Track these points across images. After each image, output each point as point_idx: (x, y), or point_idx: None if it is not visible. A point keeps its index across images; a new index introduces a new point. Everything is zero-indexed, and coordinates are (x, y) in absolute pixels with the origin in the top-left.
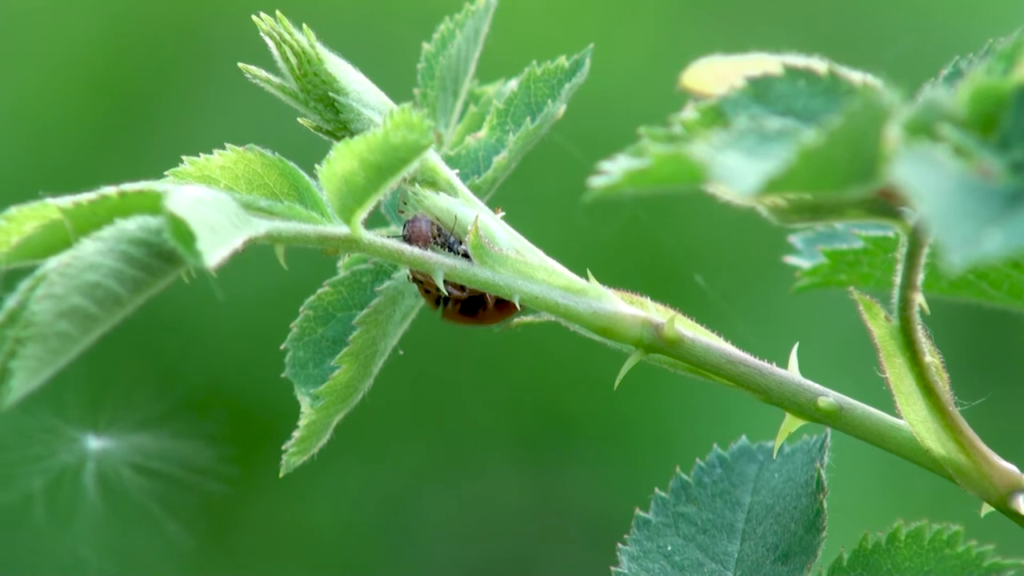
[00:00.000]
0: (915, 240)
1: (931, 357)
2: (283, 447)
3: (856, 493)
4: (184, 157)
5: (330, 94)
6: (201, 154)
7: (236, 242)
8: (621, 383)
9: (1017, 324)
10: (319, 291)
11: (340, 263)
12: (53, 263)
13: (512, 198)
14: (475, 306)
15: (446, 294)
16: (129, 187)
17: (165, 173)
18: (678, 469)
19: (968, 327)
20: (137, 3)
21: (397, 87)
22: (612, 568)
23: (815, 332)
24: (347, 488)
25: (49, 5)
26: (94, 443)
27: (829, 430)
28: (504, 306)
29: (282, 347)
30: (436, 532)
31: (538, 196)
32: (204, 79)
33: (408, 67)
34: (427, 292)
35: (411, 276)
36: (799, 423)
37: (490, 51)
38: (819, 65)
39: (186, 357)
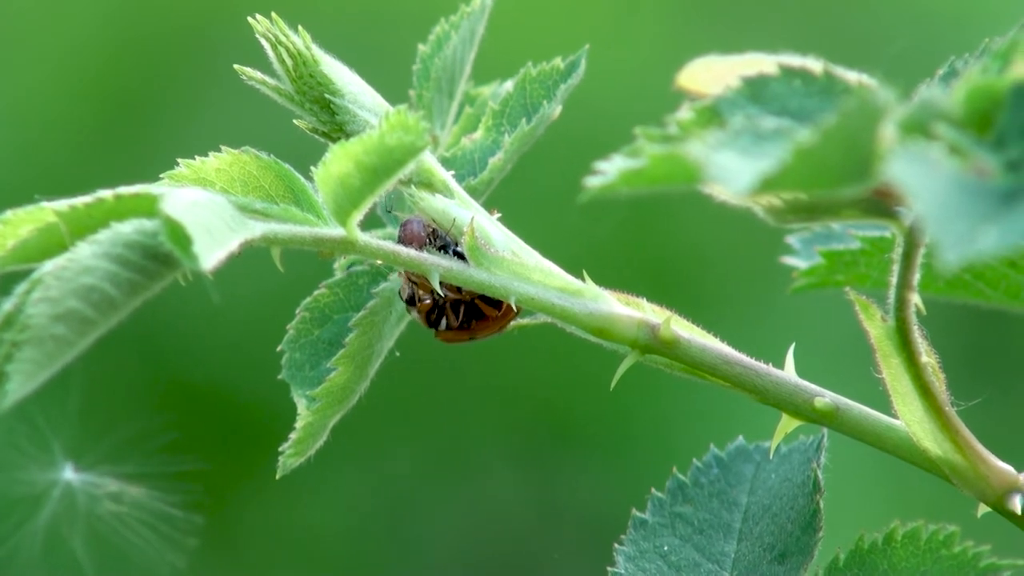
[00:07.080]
0: (911, 240)
1: (927, 357)
2: (280, 448)
3: (853, 494)
4: (179, 160)
5: (326, 96)
6: (197, 156)
7: (232, 244)
8: (620, 382)
9: (1014, 324)
10: (315, 293)
11: (336, 265)
12: (49, 266)
13: (507, 199)
14: (469, 320)
15: (442, 295)
16: (125, 190)
17: (161, 176)
18: (675, 469)
19: (965, 327)
20: (135, 3)
21: (391, 88)
22: (609, 568)
23: (811, 332)
24: (345, 489)
25: (47, 4)
26: (73, 475)
27: (826, 430)
28: (500, 317)
29: (278, 349)
30: (435, 532)
31: (533, 197)
32: (202, 80)
33: (402, 68)
34: (415, 303)
35: (403, 291)
36: (796, 424)
37: (485, 52)
38: (815, 65)
39: (182, 358)
